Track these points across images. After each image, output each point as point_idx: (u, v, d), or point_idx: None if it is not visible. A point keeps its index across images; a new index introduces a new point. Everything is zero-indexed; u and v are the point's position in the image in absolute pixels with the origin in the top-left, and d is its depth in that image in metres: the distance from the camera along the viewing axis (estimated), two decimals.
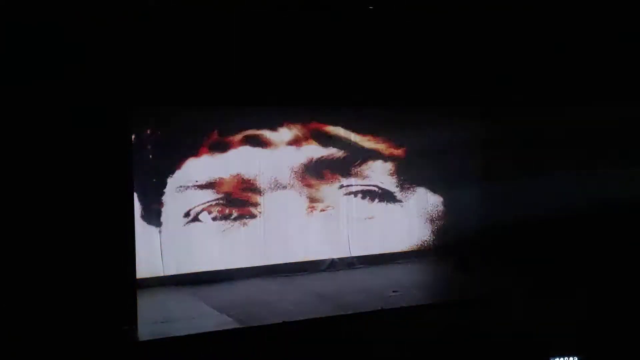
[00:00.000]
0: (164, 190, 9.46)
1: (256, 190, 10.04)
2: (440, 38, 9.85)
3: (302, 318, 7.86)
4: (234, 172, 9.89)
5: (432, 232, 11.24)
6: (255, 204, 10.04)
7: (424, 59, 10.05)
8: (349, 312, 8.08)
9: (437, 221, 11.26)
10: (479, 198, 11.09)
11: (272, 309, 8.24)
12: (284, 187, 10.21)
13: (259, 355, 7.28)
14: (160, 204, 9.44)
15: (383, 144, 10.91)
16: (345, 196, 10.68)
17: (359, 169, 10.77)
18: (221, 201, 9.79)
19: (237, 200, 9.90)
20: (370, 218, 10.85)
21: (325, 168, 10.51)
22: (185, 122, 9.54)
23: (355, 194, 10.77)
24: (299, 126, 10.32)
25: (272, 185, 10.13)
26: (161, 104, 9.03)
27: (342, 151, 10.61)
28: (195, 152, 9.62)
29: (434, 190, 11.26)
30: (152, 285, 8.98)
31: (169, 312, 8.16)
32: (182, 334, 7.36)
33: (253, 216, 10.03)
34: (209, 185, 9.72)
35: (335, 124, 10.57)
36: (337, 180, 10.61)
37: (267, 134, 10.08)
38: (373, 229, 10.85)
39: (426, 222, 11.23)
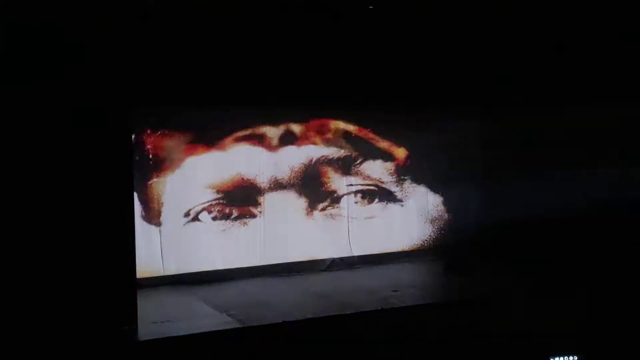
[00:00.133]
0: (164, 190, 9.46)
1: (256, 189, 10.04)
2: (440, 38, 9.85)
3: (302, 318, 7.86)
4: (234, 172, 9.89)
5: (432, 231, 11.24)
6: (256, 204, 10.05)
7: (424, 59, 10.05)
8: (349, 312, 8.08)
9: (437, 221, 11.26)
10: (479, 198, 11.10)
11: (272, 309, 8.24)
12: (284, 187, 10.22)
13: (259, 355, 7.28)
14: (160, 203, 9.45)
15: (383, 143, 10.91)
16: (345, 196, 10.68)
17: (359, 169, 10.78)
18: (221, 201, 9.80)
19: (237, 199, 9.91)
20: (370, 218, 10.85)
21: (325, 167, 10.51)
22: (185, 121, 9.55)
23: (355, 193, 10.78)
24: (299, 126, 10.32)
25: (272, 185, 10.13)
26: (161, 104, 9.03)
27: (342, 151, 10.61)
28: (195, 152, 9.63)
29: (434, 189, 11.26)
30: (152, 285, 8.98)
31: (169, 312, 8.15)
32: (182, 333, 7.35)
33: (253, 216, 10.03)
34: (209, 185, 9.72)
35: (335, 123, 10.57)
36: (337, 180, 10.61)
37: (267, 133, 10.08)
38: (373, 228, 10.85)
39: (426, 221, 11.23)
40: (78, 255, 7.13)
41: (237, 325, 7.61)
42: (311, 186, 10.38)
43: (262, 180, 10.06)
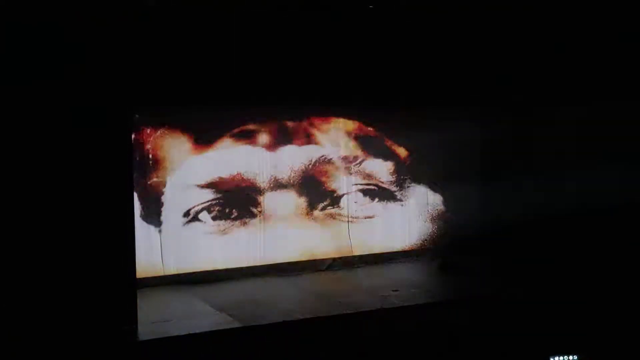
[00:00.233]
0: (164, 190, 9.46)
1: (256, 189, 10.04)
2: (440, 38, 9.85)
3: (302, 318, 7.86)
4: (234, 172, 9.89)
5: (432, 231, 11.24)
6: (255, 203, 10.05)
7: (424, 59, 10.05)
8: (349, 312, 8.08)
9: (437, 220, 11.26)
10: (478, 197, 11.08)
11: (272, 309, 8.24)
12: (284, 187, 10.21)
13: (259, 355, 7.29)
14: (160, 203, 9.45)
15: (383, 143, 10.91)
16: (345, 195, 10.68)
17: (359, 169, 10.78)
18: (221, 200, 9.80)
19: (237, 199, 9.91)
20: (370, 217, 10.86)
21: (325, 167, 10.51)
22: (185, 121, 9.54)
23: (356, 193, 10.77)
24: (299, 125, 10.32)
25: (272, 185, 10.13)
26: (161, 104, 9.03)
27: (342, 150, 10.61)
28: (195, 151, 9.63)
29: (434, 189, 11.26)
30: (151, 285, 8.98)
31: (168, 311, 8.15)
32: (182, 333, 7.36)
33: (253, 215, 10.03)
34: (209, 185, 9.72)
35: (335, 123, 10.57)
36: (337, 180, 10.61)
37: (267, 133, 10.08)
38: (373, 228, 10.85)
39: (426, 221, 11.23)
40: (78, 255, 7.14)
41: (237, 325, 7.62)
42: (311, 186, 10.38)
43: (262, 180, 10.06)
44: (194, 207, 9.63)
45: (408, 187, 11.11)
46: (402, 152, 11.02)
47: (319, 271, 10.24)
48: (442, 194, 11.25)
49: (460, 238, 10.81)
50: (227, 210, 9.84)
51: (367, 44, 9.60)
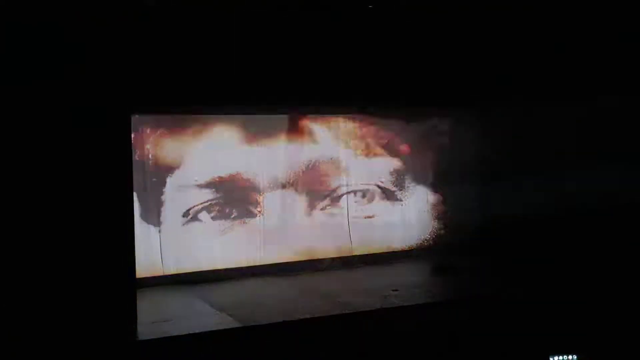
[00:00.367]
0: (164, 190, 9.46)
1: (256, 189, 10.04)
2: (439, 38, 9.85)
3: (302, 318, 7.86)
4: (234, 171, 9.89)
5: (432, 230, 11.24)
6: (255, 203, 10.05)
7: (424, 59, 10.04)
8: (349, 312, 8.08)
9: (437, 220, 11.26)
10: (478, 197, 11.09)
11: (272, 309, 8.24)
12: (284, 186, 10.22)
13: (259, 355, 7.29)
14: (160, 203, 9.45)
15: (383, 142, 10.91)
16: (345, 195, 10.68)
17: (359, 168, 10.78)
18: (221, 200, 9.80)
19: (237, 199, 9.90)
20: (370, 217, 10.86)
21: (325, 167, 10.51)
22: (185, 121, 9.54)
23: (355, 192, 10.78)
24: (299, 125, 10.32)
25: (272, 184, 10.13)
26: (161, 104, 9.02)
27: (342, 150, 10.61)
28: (194, 151, 9.63)
29: (434, 189, 11.27)
30: (151, 285, 8.99)
31: (168, 311, 8.16)
32: (182, 333, 7.36)
33: (253, 215, 10.03)
34: (209, 185, 9.72)
35: (335, 122, 10.58)
36: (337, 180, 10.61)
37: (266, 132, 10.08)
38: (373, 228, 10.85)
39: (426, 221, 11.23)
40: (78, 255, 7.13)
41: (237, 325, 7.62)
42: (311, 186, 10.38)
43: (262, 180, 10.06)
44: (193, 207, 9.64)
45: (408, 187, 11.12)
46: (402, 151, 11.02)
47: (319, 271, 10.24)
48: (442, 194, 11.26)
49: (460, 238, 10.82)
50: (226, 210, 9.84)
51: (366, 43, 9.60)
